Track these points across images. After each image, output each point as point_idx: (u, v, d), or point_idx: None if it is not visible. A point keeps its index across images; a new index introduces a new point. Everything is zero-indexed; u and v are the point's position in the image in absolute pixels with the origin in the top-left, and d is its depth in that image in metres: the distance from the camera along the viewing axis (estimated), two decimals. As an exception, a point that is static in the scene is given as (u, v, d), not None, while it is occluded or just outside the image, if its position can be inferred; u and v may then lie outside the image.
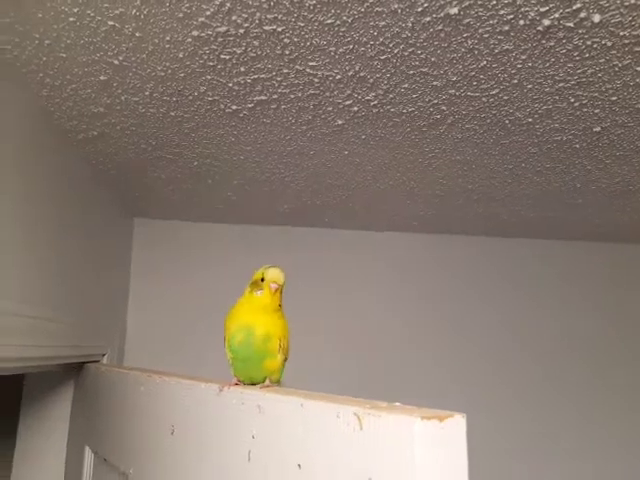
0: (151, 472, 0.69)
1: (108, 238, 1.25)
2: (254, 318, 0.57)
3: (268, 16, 0.59)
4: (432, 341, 1.52)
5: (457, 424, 0.34)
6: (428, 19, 0.60)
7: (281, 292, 0.60)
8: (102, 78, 0.72)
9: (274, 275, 0.59)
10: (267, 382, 0.56)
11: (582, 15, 0.59)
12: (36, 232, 0.80)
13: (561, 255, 1.63)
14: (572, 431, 1.51)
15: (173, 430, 0.65)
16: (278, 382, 0.60)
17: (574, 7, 0.58)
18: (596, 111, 0.82)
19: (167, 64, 0.69)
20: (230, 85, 0.74)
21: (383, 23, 0.60)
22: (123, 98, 0.79)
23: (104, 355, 1.19)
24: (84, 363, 1.08)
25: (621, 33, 0.63)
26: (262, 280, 0.59)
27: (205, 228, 1.49)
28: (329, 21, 0.60)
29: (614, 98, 0.78)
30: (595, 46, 0.66)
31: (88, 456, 0.98)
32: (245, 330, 0.57)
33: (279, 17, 0.59)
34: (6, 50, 0.66)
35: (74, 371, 1.12)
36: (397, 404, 0.39)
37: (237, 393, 0.53)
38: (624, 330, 1.60)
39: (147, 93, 0.77)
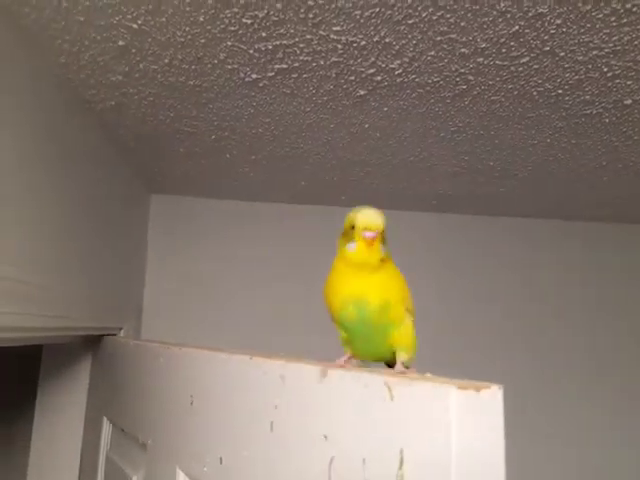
0: (170, 442, 0.69)
1: (125, 214, 1.25)
2: (360, 284, 0.44)
3: (293, -24, 0.57)
4: (454, 319, 1.50)
5: (494, 395, 0.33)
6: (460, -21, 0.57)
7: (384, 240, 0.46)
8: (120, 44, 0.71)
9: (367, 219, 0.44)
10: (399, 366, 0.43)
11: (624, -25, 0.56)
12: (49, 202, 0.79)
13: (583, 236, 1.59)
14: (607, 406, 1.50)
15: (192, 401, 0.64)
16: (411, 360, 0.46)
17: (617, -34, 0.55)
18: (629, 82, 0.79)
19: (187, 29, 0.67)
20: (251, 52, 0.72)
21: (412, -16, 0.58)
22: (141, 66, 0.77)
23: (121, 329, 1.19)
24: (101, 336, 1.08)
25: (664, -5, 0.60)
26: (352, 228, 0.45)
27: (222, 205, 1.48)
28: (356, -19, 0.58)
29: (649, 68, 0.75)
30: (635, 9, 0.62)
31: (106, 427, 1.00)
32: (354, 303, 0.44)
33: (304, -23, 0.57)
34: (24, 13, 0.64)
35: (91, 344, 1.13)
36: (428, 374, 0.38)
37: (258, 363, 0.52)
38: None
39: (166, 60, 0.75)
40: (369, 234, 0.43)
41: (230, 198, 1.48)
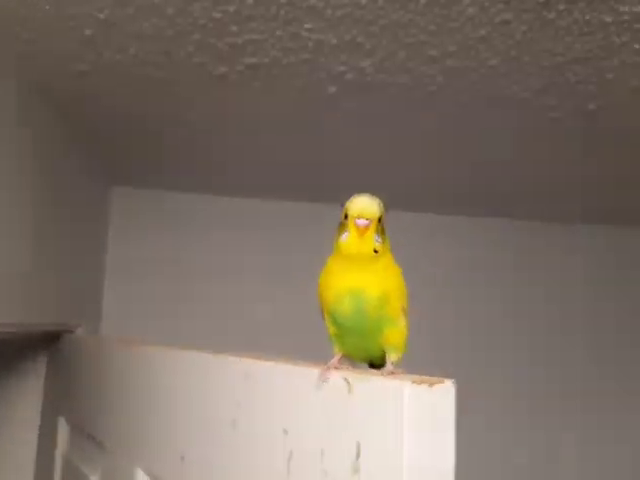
0: (131, 441, 0.68)
1: (84, 206, 1.21)
2: (356, 276, 0.41)
3: (263, -29, 0.57)
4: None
5: (447, 390, 0.33)
6: (429, -18, 0.58)
7: (381, 230, 0.43)
8: (87, 33, 0.69)
9: (359, 207, 0.41)
10: (389, 366, 0.41)
11: (585, -15, 0.58)
12: (4, 194, 0.76)
13: (538, 235, 1.64)
14: (559, 401, 1.55)
15: (154, 398, 0.64)
16: (399, 361, 0.43)
17: (578, -24, 0.56)
18: (591, 87, 0.81)
19: (155, 20, 0.66)
20: (220, 46, 0.72)
21: (382, -15, 0.58)
22: (106, 56, 0.75)
23: (79, 326, 1.16)
24: (59, 334, 1.05)
25: (621, 9, 0.62)
26: (346, 217, 0.42)
27: (186, 198, 1.45)
28: (326, -20, 0.58)
29: (610, 76, 0.78)
30: (594, 21, 0.64)
31: (63, 427, 0.97)
32: (349, 295, 0.41)
33: (275, -27, 0.57)
34: (-16, -2, 0.62)
35: (48, 341, 1.10)
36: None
37: (222, 361, 0.52)
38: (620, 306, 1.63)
39: (132, 52, 0.74)
40: (361, 222, 0.40)
41: (195, 191, 1.45)
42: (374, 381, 0.34)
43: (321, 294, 0.44)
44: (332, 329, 0.44)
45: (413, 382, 0.32)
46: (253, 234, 1.47)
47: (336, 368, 0.38)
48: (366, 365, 0.50)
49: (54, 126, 0.95)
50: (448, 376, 0.34)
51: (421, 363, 0.47)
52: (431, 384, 0.33)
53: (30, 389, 1.08)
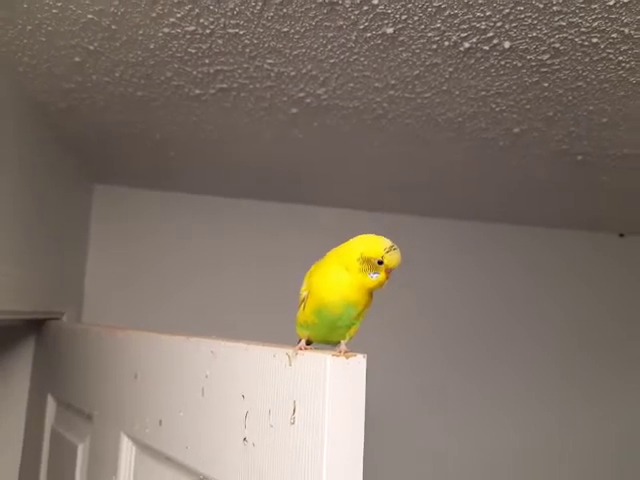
0: (115, 412, 0.79)
1: (68, 202, 1.30)
2: (357, 294, 0.54)
3: (232, 22, 0.68)
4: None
5: (359, 362, 0.46)
6: (369, 34, 0.70)
7: None
8: (76, 59, 0.79)
9: (396, 262, 0.54)
10: (343, 346, 0.53)
11: (495, 42, 0.71)
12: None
13: (477, 235, 1.80)
14: (469, 377, 1.72)
15: (136, 375, 0.75)
16: (349, 342, 0.58)
17: (488, 35, 0.70)
18: (514, 116, 0.96)
19: (138, 52, 0.77)
20: (195, 73, 0.83)
21: (331, 35, 0.71)
22: (94, 77, 0.85)
23: (63, 314, 1.26)
24: (44, 320, 1.15)
25: (528, 57, 0.76)
26: (379, 263, 0.54)
27: (166, 196, 1.56)
28: (285, 29, 0.70)
29: (528, 107, 0.92)
30: (508, 65, 0.78)
31: (51, 403, 1.07)
32: (347, 304, 0.54)
33: (241, 23, 0.68)
34: (-14, 30, 0.72)
35: (35, 327, 1.19)
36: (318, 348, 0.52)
37: (193, 341, 0.64)
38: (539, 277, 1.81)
39: (117, 75, 0.84)
40: (391, 272, 0.54)
41: (173, 190, 1.56)
42: (306, 355, 0.47)
43: (319, 293, 0.55)
44: (312, 318, 0.56)
45: (333, 355, 0.45)
46: (227, 229, 1.59)
47: (305, 348, 0.50)
48: (321, 345, 0.63)
49: (41, 132, 1.04)
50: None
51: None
52: (347, 357, 0.46)
53: (19, 370, 1.18)
